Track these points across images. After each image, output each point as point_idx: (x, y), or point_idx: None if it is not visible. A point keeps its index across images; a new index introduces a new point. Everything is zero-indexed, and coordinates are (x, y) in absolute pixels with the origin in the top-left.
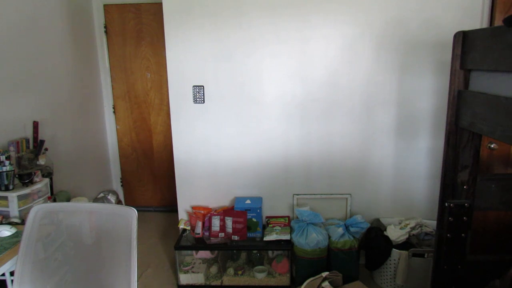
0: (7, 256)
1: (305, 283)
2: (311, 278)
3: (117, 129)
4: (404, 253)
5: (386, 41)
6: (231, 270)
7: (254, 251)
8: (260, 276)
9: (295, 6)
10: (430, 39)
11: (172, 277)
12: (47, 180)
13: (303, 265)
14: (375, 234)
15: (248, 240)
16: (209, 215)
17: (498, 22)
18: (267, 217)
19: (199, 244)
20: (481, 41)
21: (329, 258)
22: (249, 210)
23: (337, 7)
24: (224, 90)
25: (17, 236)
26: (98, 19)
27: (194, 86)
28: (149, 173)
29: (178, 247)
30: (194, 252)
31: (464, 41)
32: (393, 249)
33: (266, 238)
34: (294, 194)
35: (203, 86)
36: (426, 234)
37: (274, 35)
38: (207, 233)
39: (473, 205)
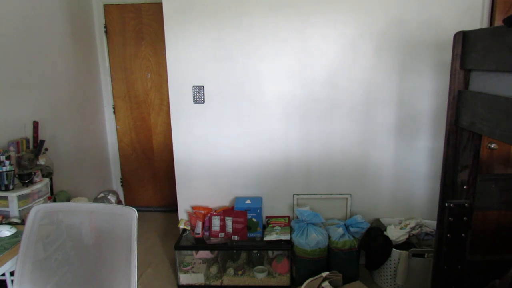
0: (7, 256)
1: (305, 283)
2: (311, 278)
3: (117, 129)
4: (404, 253)
5: (386, 41)
6: (231, 270)
7: (254, 251)
8: (260, 276)
9: (295, 6)
10: (430, 39)
11: (172, 277)
12: (47, 180)
13: (303, 265)
14: (375, 234)
15: (248, 240)
16: (209, 215)
17: (498, 22)
18: (267, 217)
19: (199, 244)
20: (481, 41)
21: (329, 258)
22: (249, 210)
23: (337, 7)
24: (224, 90)
25: (17, 236)
26: (98, 19)
27: (194, 86)
28: (149, 173)
29: (178, 247)
30: (194, 252)
31: (464, 41)
32: (393, 249)
33: (266, 238)
34: (294, 194)
35: (203, 86)
36: (426, 234)
37: (274, 35)
38: (207, 233)
39: (473, 205)
